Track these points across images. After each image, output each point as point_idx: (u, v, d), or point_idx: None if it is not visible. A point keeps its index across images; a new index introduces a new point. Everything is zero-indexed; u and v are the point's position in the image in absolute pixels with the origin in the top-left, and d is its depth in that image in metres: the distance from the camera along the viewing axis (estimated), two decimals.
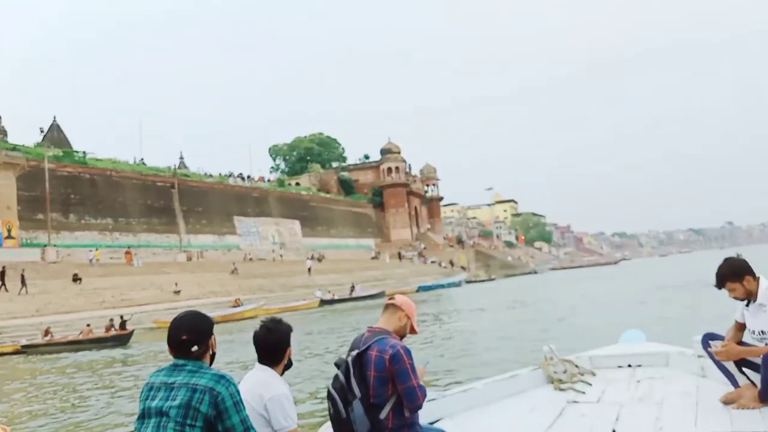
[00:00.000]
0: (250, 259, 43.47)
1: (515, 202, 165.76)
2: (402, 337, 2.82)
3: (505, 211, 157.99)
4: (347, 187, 68.92)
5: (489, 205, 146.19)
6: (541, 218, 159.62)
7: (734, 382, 3.42)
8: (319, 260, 49.58)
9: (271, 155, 78.88)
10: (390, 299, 2.92)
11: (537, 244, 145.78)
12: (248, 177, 54.63)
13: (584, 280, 44.18)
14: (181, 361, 2.10)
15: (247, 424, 2.07)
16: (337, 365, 2.74)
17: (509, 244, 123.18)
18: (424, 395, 2.66)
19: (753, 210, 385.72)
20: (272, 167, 76.99)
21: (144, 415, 2.05)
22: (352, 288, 34.76)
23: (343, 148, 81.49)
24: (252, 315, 24.88)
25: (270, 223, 50.87)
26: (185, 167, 52.51)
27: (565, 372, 4.25)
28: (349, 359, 2.66)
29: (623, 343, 5.16)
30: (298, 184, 66.06)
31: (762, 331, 3.27)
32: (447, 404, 3.71)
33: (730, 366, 3.42)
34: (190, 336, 2.12)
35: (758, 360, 3.19)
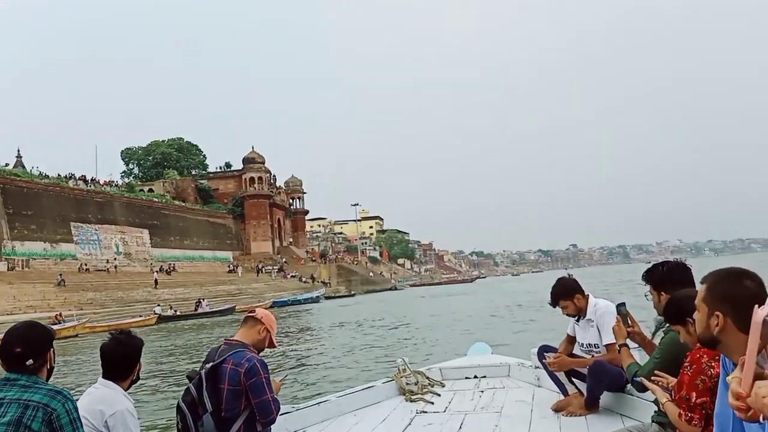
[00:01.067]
0: (86, 269, 39.10)
1: (381, 219, 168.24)
2: (260, 350, 2.77)
3: (371, 227, 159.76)
4: (206, 197, 65.20)
5: (356, 221, 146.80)
6: (405, 235, 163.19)
7: (564, 391, 3.77)
8: (168, 272, 45.99)
9: (123, 159, 72.91)
10: (250, 312, 2.85)
11: (400, 260, 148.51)
12: (92, 180, 49.59)
13: (442, 296, 44.73)
14: (13, 376, 1.96)
15: None
16: (189, 378, 2.66)
17: (374, 260, 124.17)
18: (278, 409, 2.65)
19: (594, 235, 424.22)
20: (124, 172, 71.15)
21: None
22: (198, 303, 32.05)
23: (204, 156, 77.39)
24: (71, 334, 21.79)
25: (114, 231, 46.36)
26: (22, 167, 46.56)
27: (416, 384, 4.49)
28: (203, 372, 2.60)
29: (471, 355, 5.49)
30: (151, 190, 61.38)
31: (590, 344, 3.59)
32: (301, 417, 3.76)
33: (561, 376, 3.76)
34: (25, 348, 1.98)
35: (585, 370, 3.51)
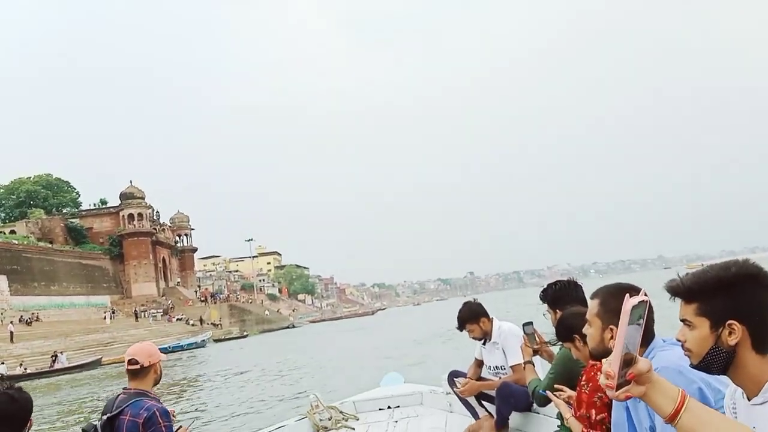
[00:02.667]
0: None
1: (279, 254, 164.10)
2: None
3: (268, 263, 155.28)
4: (78, 236, 59.46)
5: (252, 257, 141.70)
6: (305, 270, 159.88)
7: (475, 414, 3.91)
8: (29, 323, 40.72)
9: None
10: (130, 364, 2.65)
11: (301, 296, 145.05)
12: None
13: (342, 333, 42.59)
14: None
15: None
16: (84, 431, 2.58)
17: (273, 297, 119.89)
18: None
19: (489, 263, 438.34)
20: None
21: None
22: (54, 358, 27.89)
23: (77, 193, 71.22)
24: None
25: None
26: None
27: (330, 419, 4.49)
28: (99, 425, 2.54)
29: (384, 386, 5.44)
30: (13, 232, 55.10)
31: (496, 366, 3.75)
32: None
33: (472, 400, 3.91)
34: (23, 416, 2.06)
35: (494, 393, 3.58)
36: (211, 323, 58.14)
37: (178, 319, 56.05)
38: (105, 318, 50.76)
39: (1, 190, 65.42)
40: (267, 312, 70.24)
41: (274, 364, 21.80)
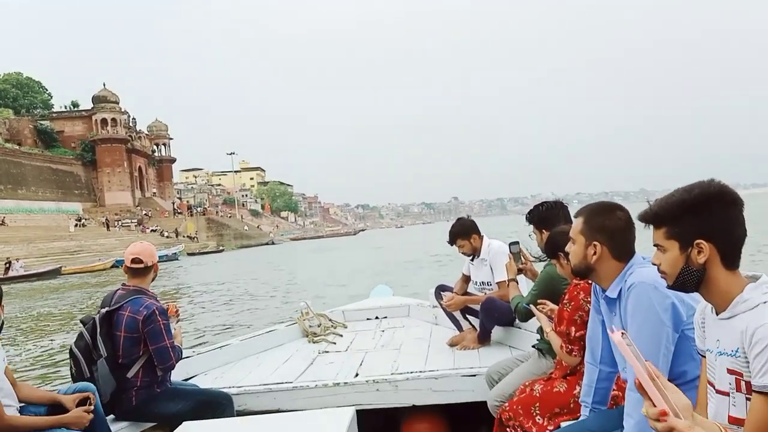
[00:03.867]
0: None
1: (263, 170, 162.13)
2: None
3: (251, 179, 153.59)
4: (48, 140, 56.98)
5: (235, 172, 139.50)
6: (289, 187, 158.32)
7: (459, 327, 3.98)
8: None
9: None
10: (134, 262, 2.74)
11: (283, 213, 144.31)
12: None
13: (324, 251, 41.52)
14: None
15: None
16: (83, 323, 2.65)
17: (255, 213, 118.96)
18: (178, 356, 2.69)
19: (473, 189, 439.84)
20: None
21: None
22: (8, 265, 26.50)
23: (50, 94, 68.17)
24: None
25: None
26: None
27: (319, 326, 4.60)
28: (97, 317, 2.60)
29: (373, 297, 5.76)
30: None
31: (482, 282, 3.85)
32: (202, 361, 3.77)
33: (457, 313, 3.95)
34: None
35: (478, 307, 3.69)
36: (187, 236, 57.01)
37: (152, 231, 54.72)
38: (78, 225, 49.47)
39: None
40: (246, 227, 69.16)
41: (256, 281, 20.88)
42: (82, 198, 57.41)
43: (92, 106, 59.17)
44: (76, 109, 61.85)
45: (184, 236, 56.50)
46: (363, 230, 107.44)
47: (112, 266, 33.15)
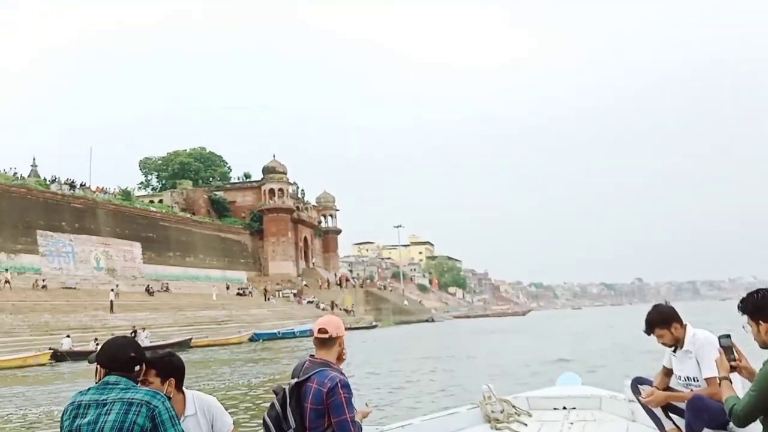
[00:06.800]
0: (43, 286, 32.88)
1: (431, 245, 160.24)
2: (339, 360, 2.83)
3: (420, 253, 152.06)
4: (220, 209, 58.95)
5: (404, 245, 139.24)
6: (457, 263, 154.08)
7: (661, 426, 3.56)
8: (151, 293, 39.48)
9: (141, 169, 68.23)
10: (320, 333, 2.77)
11: (451, 289, 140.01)
12: (81, 185, 43.96)
13: (486, 333, 35.79)
14: (113, 379, 2.10)
15: None
16: (275, 392, 2.73)
17: (423, 288, 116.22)
18: (358, 431, 2.67)
19: (660, 268, 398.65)
20: (141, 183, 66.37)
21: None
22: (133, 335, 24.64)
23: (229, 168, 71.92)
24: None
25: (94, 243, 40.25)
26: (36, 176, 41.70)
27: (502, 411, 4.32)
28: (287, 388, 2.68)
29: (560, 385, 5.26)
30: (161, 201, 55.82)
31: (687, 377, 3.43)
32: None
33: (658, 411, 3.55)
34: (137, 354, 2.17)
35: (683, 405, 3.33)
36: (344, 309, 54.56)
37: (309, 302, 53.10)
38: (240, 294, 49.20)
39: (159, 161, 67.59)
40: (406, 302, 65.33)
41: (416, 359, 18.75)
42: (247, 267, 57.96)
43: (261, 177, 60.73)
44: (247, 180, 64.12)
45: (340, 309, 54.08)
46: (530, 310, 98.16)
47: (250, 339, 30.60)
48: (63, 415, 2.10)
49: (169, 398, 2.27)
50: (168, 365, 2.50)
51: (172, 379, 2.49)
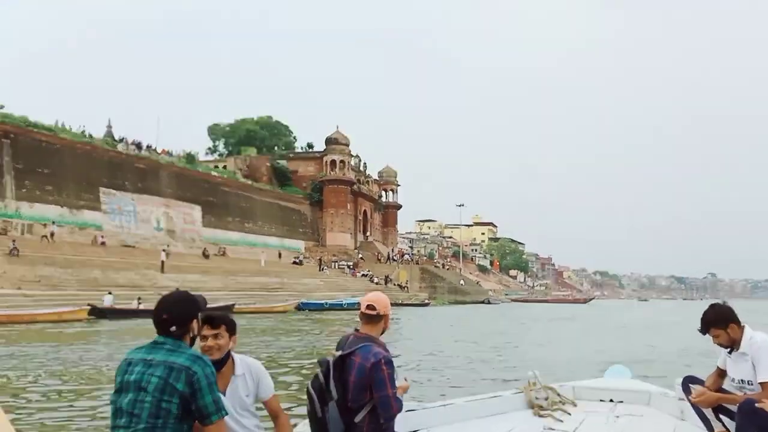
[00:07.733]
0: (102, 243, 33.78)
1: (494, 226, 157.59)
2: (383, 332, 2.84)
3: (482, 233, 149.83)
4: (282, 178, 59.20)
5: (467, 225, 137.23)
6: (520, 245, 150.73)
7: (710, 427, 3.51)
8: (207, 257, 40.01)
9: (210, 136, 69.38)
10: (368, 309, 2.77)
11: (512, 272, 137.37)
12: (148, 147, 44.87)
13: (539, 320, 34.35)
14: (161, 340, 2.13)
15: (220, 405, 2.09)
16: (319, 364, 2.75)
17: (483, 269, 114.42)
18: (399, 407, 2.66)
19: (736, 264, 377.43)
20: (209, 149, 67.54)
21: (122, 389, 2.07)
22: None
23: (294, 137, 72.11)
24: None
25: (156, 204, 41.04)
26: (112, 138, 42.96)
27: (546, 399, 4.31)
28: (331, 360, 2.68)
29: (608, 377, 5.18)
30: (225, 167, 56.50)
31: (742, 380, 3.34)
32: (426, 416, 3.73)
33: (708, 412, 3.50)
34: (170, 316, 2.14)
35: (735, 408, 3.24)
36: (398, 284, 53.97)
37: (363, 275, 52.77)
38: (296, 263, 49.35)
39: (227, 128, 68.49)
40: (462, 281, 64.06)
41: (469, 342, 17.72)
42: (305, 236, 58.12)
43: (324, 147, 60.48)
44: (310, 150, 64.06)
45: (394, 284, 53.54)
46: (593, 299, 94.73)
47: (296, 308, 30.37)
48: (118, 369, 2.14)
49: (229, 354, 2.55)
50: (233, 324, 2.60)
51: (235, 336, 2.61)
